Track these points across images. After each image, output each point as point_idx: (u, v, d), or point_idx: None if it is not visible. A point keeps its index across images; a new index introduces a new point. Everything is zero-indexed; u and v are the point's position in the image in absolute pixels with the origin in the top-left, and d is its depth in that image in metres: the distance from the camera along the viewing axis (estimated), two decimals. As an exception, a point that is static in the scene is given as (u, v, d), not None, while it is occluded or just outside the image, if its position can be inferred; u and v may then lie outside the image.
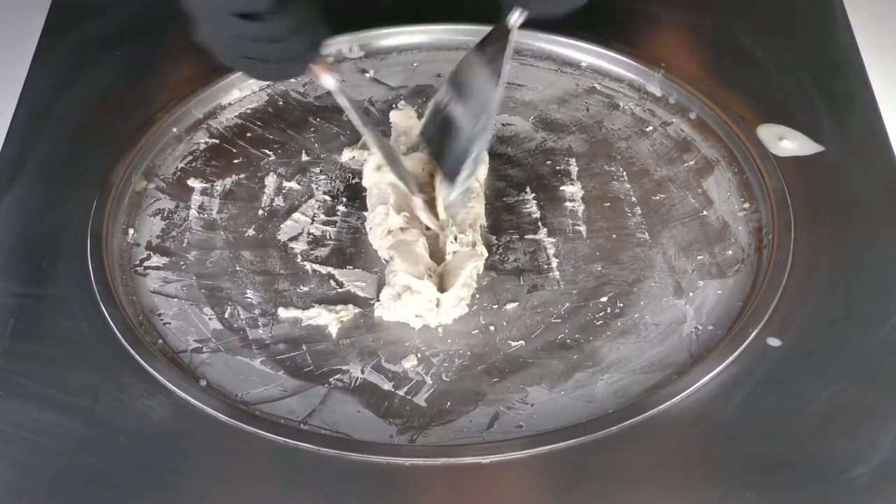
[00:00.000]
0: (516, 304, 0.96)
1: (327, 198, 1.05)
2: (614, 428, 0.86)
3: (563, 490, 0.83)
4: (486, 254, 0.98)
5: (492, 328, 0.94)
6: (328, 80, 0.95)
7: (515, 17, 0.95)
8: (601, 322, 0.94)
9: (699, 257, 0.99)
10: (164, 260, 1.00)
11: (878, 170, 1.04)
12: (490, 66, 0.96)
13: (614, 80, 1.16)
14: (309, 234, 1.02)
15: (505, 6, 0.95)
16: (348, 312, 0.95)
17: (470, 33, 1.18)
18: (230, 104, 1.14)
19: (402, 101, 1.13)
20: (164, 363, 0.90)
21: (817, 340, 0.91)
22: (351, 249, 1.01)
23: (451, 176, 0.97)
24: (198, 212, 1.04)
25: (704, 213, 1.03)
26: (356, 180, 1.07)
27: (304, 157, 1.09)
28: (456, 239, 0.97)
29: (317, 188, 1.06)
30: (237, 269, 0.99)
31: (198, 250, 1.01)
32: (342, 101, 0.97)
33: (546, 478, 0.84)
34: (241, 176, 1.07)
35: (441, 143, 0.99)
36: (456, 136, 0.97)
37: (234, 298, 0.97)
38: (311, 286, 0.98)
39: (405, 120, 1.09)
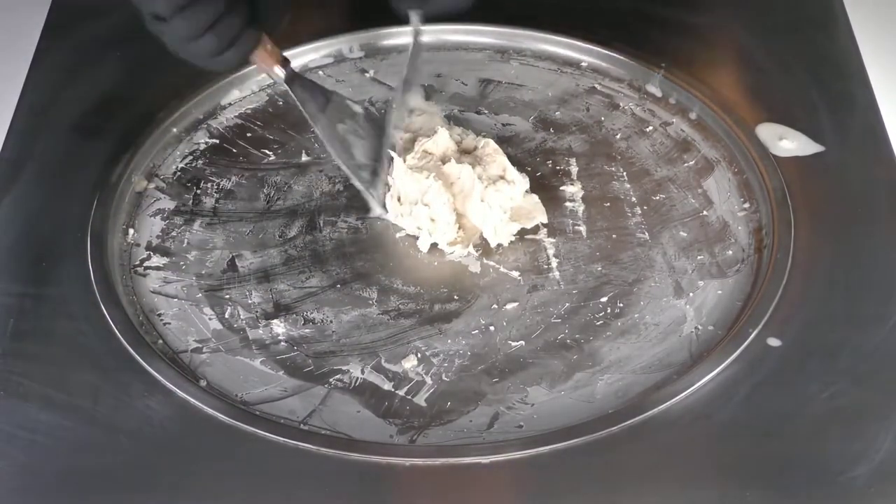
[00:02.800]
0: (516, 304, 0.96)
1: (327, 197, 1.05)
2: (614, 428, 0.86)
3: (564, 490, 0.83)
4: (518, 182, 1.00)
5: (492, 328, 0.94)
6: (276, 72, 0.97)
7: (416, 20, 0.98)
8: (601, 322, 0.94)
9: (699, 257, 0.99)
10: (164, 260, 1.00)
11: (878, 170, 1.04)
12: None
13: (614, 80, 1.16)
14: (309, 233, 1.02)
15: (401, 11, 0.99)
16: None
17: (470, 33, 1.19)
18: (230, 104, 1.14)
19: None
20: (164, 363, 0.90)
21: (817, 340, 0.91)
22: (351, 249, 1.01)
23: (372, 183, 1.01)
24: (198, 212, 1.04)
25: (704, 213, 1.03)
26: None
27: (304, 157, 1.09)
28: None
29: (317, 188, 1.06)
30: (237, 268, 0.99)
31: (198, 250, 1.01)
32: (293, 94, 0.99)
33: (546, 478, 0.84)
34: (241, 176, 1.08)
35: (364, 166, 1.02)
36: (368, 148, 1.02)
37: (234, 298, 0.97)
38: (312, 286, 0.98)
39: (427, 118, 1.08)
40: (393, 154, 1.00)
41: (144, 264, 1.00)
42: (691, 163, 1.07)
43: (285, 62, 0.98)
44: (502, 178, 1.00)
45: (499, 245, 1.00)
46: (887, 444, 0.83)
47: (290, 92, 0.99)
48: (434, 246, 1.00)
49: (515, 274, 0.98)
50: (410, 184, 0.99)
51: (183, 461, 0.85)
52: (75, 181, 1.04)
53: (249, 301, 0.97)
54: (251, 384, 0.91)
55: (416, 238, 1.00)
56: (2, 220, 1.01)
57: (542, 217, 1.01)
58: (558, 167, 1.07)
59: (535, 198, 1.01)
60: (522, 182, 1.01)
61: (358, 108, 1.03)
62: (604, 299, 0.96)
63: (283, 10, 0.99)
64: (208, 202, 1.05)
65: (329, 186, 1.06)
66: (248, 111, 1.14)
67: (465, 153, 1.02)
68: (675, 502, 0.82)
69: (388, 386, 0.90)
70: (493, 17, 1.19)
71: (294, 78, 0.99)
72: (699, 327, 0.94)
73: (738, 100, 1.10)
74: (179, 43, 0.90)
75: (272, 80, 1.16)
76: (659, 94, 1.14)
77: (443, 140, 1.01)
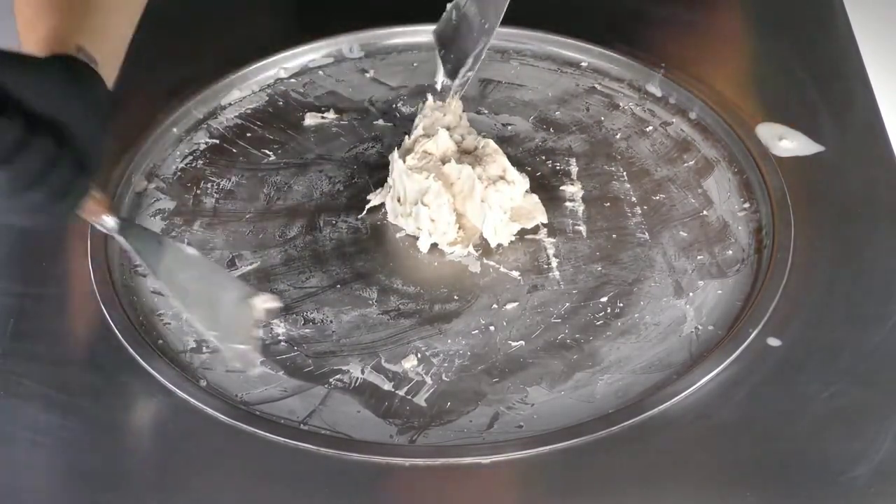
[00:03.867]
0: (516, 304, 0.96)
1: (327, 198, 1.05)
2: (614, 428, 0.85)
3: (563, 490, 0.83)
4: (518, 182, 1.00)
5: (492, 328, 0.94)
6: (107, 221, 0.84)
7: None
8: (601, 322, 0.94)
9: (699, 257, 0.99)
10: (164, 260, 1.00)
11: (878, 170, 1.04)
12: None
13: (614, 80, 1.16)
14: (309, 233, 1.02)
15: None
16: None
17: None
18: (230, 104, 1.14)
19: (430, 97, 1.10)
20: (164, 363, 0.90)
21: (817, 340, 0.91)
22: (351, 249, 1.01)
23: (453, 73, 1.01)
24: (198, 212, 1.04)
25: (704, 213, 1.03)
26: (356, 180, 1.07)
27: (304, 157, 1.09)
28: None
29: (317, 188, 1.06)
30: (237, 268, 0.99)
31: (198, 250, 1.01)
32: (122, 244, 0.87)
33: (546, 478, 0.84)
34: (241, 176, 1.08)
35: (451, 44, 1.03)
36: (467, 35, 1.00)
37: (234, 298, 0.97)
38: (312, 286, 0.98)
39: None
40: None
41: (144, 264, 1.00)
42: (691, 163, 1.07)
43: (113, 210, 0.85)
44: (502, 178, 1.00)
45: (499, 245, 1.00)
46: (887, 444, 0.83)
47: (125, 243, 0.85)
48: (434, 246, 1.00)
49: (515, 274, 0.98)
50: (410, 184, 0.99)
51: (183, 461, 0.85)
52: (75, 181, 1.04)
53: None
54: (251, 384, 0.91)
55: (416, 238, 1.00)
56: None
57: (542, 217, 1.01)
58: (558, 167, 1.07)
59: (534, 198, 1.01)
60: (522, 182, 1.01)
61: (191, 251, 0.90)
62: (604, 299, 0.96)
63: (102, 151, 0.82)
64: (208, 202, 1.05)
65: (329, 186, 1.06)
66: (248, 111, 1.14)
67: (466, 153, 1.02)
68: (675, 502, 0.82)
69: (388, 386, 0.90)
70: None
71: (126, 227, 0.86)
72: (699, 327, 0.94)
73: (738, 100, 1.10)
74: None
75: (271, 82, 1.16)
76: (659, 94, 1.14)
77: (443, 140, 1.01)
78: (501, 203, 0.99)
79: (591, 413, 0.87)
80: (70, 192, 0.77)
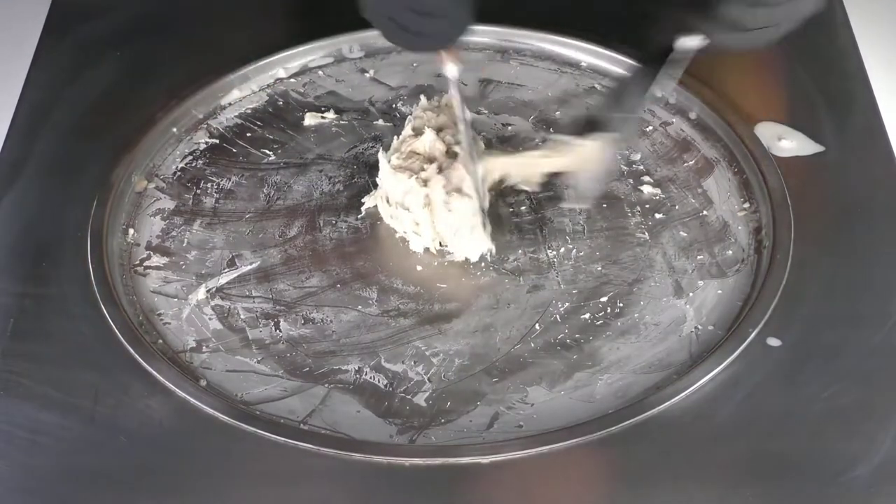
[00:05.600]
0: (516, 304, 0.96)
1: (327, 197, 1.05)
2: (614, 428, 0.86)
3: (564, 490, 0.83)
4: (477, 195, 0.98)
5: (492, 328, 0.94)
6: (451, 69, 0.94)
7: (694, 43, 0.93)
8: (601, 322, 0.94)
9: (699, 257, 0.99)
10: (164, 260, 1.00)
11: (878, 170, 1.04)
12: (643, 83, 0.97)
13: (614, 81, 1.15)
14: (309, 233, 1.02)
15: (682, 28, 0.93)
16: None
17: (470, 33, 1.18)
18: (230, 104, 1.14)
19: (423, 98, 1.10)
20: (164, 363, 0.90)
21: (817, 340, 0.91)
22: (351, 249, 1.01)
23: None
24: (198, 212, 1.04)
25: (704, 213, 1.03)
26: (356, 180, 1.07)
27: (304, 157, 1.09)
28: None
29: (317, 188, 1.06)
30: (237, 268, 0.99)
31: (198, 250, 1.01)
32: (454, 94, 0.96)
33: (546, 478, 0.84)
34: (241, 176, 1.08)
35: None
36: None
37: (234, 298, 0.97)
38: (312, 286, 0.98)
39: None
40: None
41: (144, 264, 1.00)
42: (691, 163, 1.07)
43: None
44: (459, 190, 0.98)
45: (500, 244, 1.00)
46: (887, 444, 0.83)
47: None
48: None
49: (515, 274, 0.98)
50: (395, 184, 0.98)
51: (183, 461, 0.85)
52: (75, 181, 1.04)
53: (249, 301, 0.97)
54: (251, 384, 0.91)
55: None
56: (2, 220, 1.01)
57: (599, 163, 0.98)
58: (558, 167, 1.07)
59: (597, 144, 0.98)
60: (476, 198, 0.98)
61: None
62: (604, 299, 0.96)
63: None
64: (208, 202, 1.05)
65: (329, 186, 1.06)
66: (248, 111, 1.14)
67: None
68: (676, 502, 0.82)
69: (387, 386, 0.90)
70: (494, 17, 1.19)
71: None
72: (699, 327, 0.94)
73: (738, 100, 1.10)
74: (405, 13, 0.87)
75: (271, 81, 1.16)
76: (659, 94, 1.13)
77: (428, 140, 1.00)
78: (461, 217, 0.97)
79: (591, 413, 0.87)
80: (453, 28, 0.90)
